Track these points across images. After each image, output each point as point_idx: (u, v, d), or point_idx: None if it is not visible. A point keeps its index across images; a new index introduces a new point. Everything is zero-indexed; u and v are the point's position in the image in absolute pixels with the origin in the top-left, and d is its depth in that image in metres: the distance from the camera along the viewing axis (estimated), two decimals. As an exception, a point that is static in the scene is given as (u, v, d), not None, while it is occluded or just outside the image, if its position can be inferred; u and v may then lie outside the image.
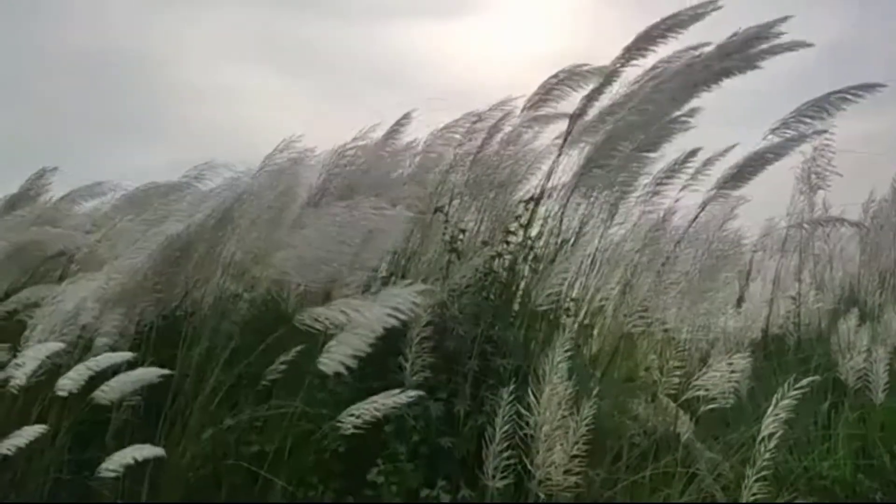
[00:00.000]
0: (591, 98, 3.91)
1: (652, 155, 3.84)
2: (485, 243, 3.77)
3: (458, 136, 4.31)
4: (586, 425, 2.96)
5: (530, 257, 3.70)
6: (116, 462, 3.02)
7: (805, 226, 4.50)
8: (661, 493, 3.27)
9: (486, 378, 3.47)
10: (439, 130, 4.38)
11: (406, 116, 4.49)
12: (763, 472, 2.91)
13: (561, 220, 3.84)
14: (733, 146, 4.06)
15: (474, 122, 4.30)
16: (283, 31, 11.24)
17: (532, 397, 3.04)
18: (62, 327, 3.49)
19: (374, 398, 3.06)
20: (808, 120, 3.70)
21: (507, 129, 4.11)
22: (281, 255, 3.58)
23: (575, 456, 2.94)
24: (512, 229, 3.79)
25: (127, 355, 3.27)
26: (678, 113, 3.81)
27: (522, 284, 3.69)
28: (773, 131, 3.73)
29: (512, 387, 3.06)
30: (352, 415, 3.03)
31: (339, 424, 3.04)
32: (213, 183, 5.10)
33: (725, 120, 4.06)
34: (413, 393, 3.09)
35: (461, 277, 3.56)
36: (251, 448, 3.27)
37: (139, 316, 3.65)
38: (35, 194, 4.82)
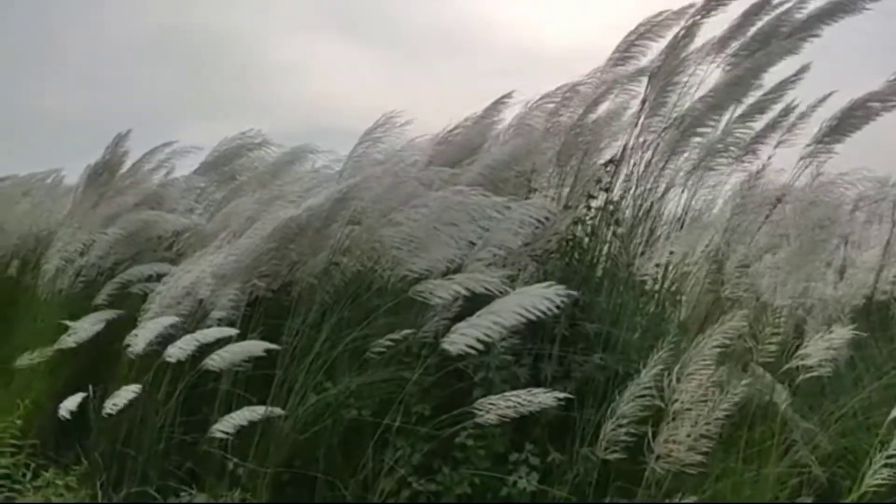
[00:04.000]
0: (669, 54, 3.76)
1: (756, 124, 3.69)
2: (566, 207, 3.72)
3: (551, 107, 4.28)
4: (724, 410, 2.89)
5: (612, 221, 3.67)
6: (229, 423, 3.30)
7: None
8: (754, 465, 3.21)
9: (575, 343, 3.48)
10: (536, 102, 4.35)
11: (509, 94, 4.50)
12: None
13: (655, 182, 3.73)
14: (830, 94, 3.80)
15: (567, 93, 4.24)
16: (354, 3, 11.41)
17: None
18: (179, 300, 3.82)
19: (518, 392, 3.03)
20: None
21: (589, 90, 4.02)
22: (388, 232, 3.70)
23: (704, 436, 2.88)
24: (593, 193, 3.74)
25: (232, 331, 3.52)
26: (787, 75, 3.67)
27: (606, 249, 3.66)
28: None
29: (656, 368, 2.98)
30: (492, 404, 3.04)
31: (477, 412, 3.06)
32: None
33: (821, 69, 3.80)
34: (562, 395, 3.01)
35: (546, 242, 3.55)
36: (350, 412, 3.45)
37: (251, 289, 3.90)
38: (117, 162, 5.08)
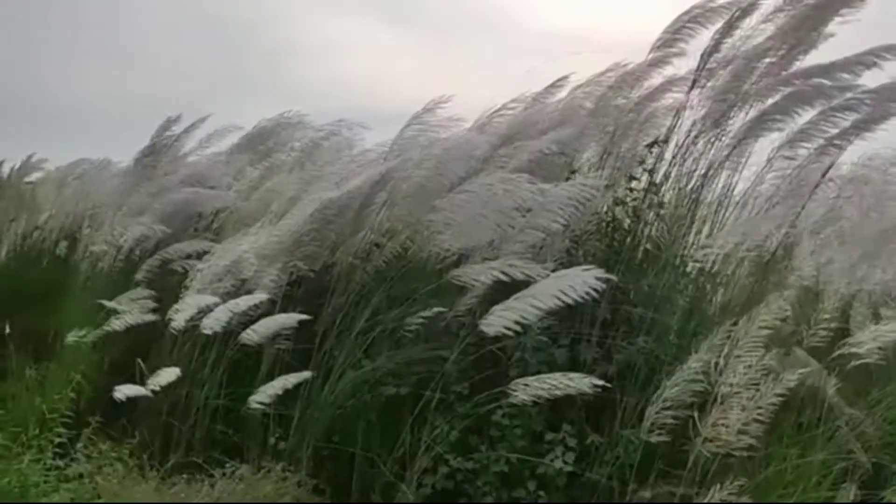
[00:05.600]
0: (724, 34, 3.69)
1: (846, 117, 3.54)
2: (607, 187, 3.67)
3: (599, 90, 4.22)
4: (776, 395, 2.84)
5: (656, 203, 3.61)
6: (266, 393, 3.36)
7: None
8: (797, 449, 3.16)
9: (615, 325, 3.45)
10: (583, 85, 4.30)
11: (563, 78, 4.46)
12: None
13: (711, 166, 3.66)
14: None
15: (616, 75, 4.17)
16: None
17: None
18: (220, 278, 3.88)
19: (555, 375, 3.00)
20: None
21: (637, 72, 3.95)
22: (432, 217, 3.69)
23: (756, 420, 2.83)
24: (635, 174, 3.69)
25: (262, 297, 3.57)
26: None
27: (647, 231, 3.61)
28: None
29: (704, 353, 2.94)
30: (526, 385, 3.02)
31: (511, 392, 3.05)
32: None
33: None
34: (599, 382, 2.93)
35: (586, 223, 3.53)
36: (388, 390, 3.47)
37: (292, 269, 3.94)
38: (164, 145, 5.22)
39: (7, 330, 4.16)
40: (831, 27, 3.68)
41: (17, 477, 2.97)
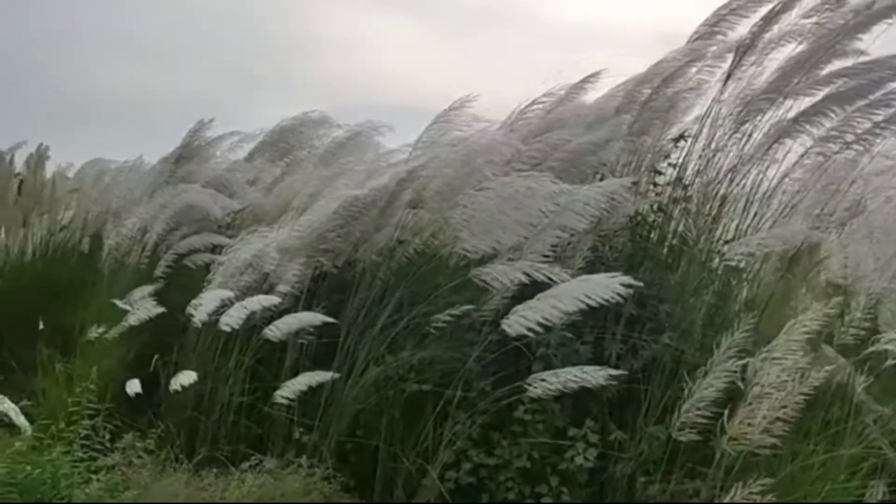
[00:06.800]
0: (762, 28, 3.64)
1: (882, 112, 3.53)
2: (634, 184, 3.64)
3: (631, 86, 4.17)
4: (802, 394, 2.83)
5: (682, 197, 3.58)
6: (290, 389, 3.38)
7: None
8: (823, 446, 3.13)
9: (641, 321, 3.43)
10: (620, 84, 4.27)
11: (594, 75, 4.44)
12: None
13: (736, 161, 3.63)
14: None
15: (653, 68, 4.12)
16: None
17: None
18: (242, 271, 3.90)
19: (571, 369, 3.01)
20: None
21: (669, 67, 3.90)
22: (455, 215, 3.69)
23: (780, 419, 2.80)
24: (660, 169, 3.66)
25: (275, 299, 3.61)
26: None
27: (673, 226, 3.58)
28: None
29: (732, 352, 2.92)
30: (543, 380, 3.04)
31: (527, 386, 3.07)
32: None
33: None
34: (616, 372, 3.01)
35: (612, 223, 3.50)
36: (411, 386, 3.48)
37: (315, 264, 3.96)
38: (197, 145, 5.33)
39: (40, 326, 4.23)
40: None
41: (48, 468, 3.01)
